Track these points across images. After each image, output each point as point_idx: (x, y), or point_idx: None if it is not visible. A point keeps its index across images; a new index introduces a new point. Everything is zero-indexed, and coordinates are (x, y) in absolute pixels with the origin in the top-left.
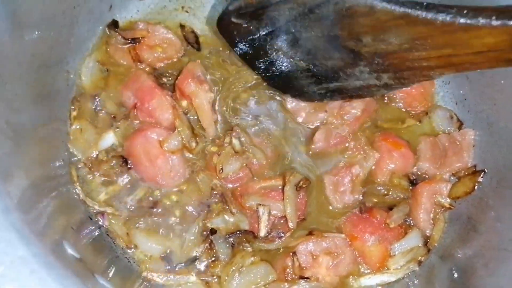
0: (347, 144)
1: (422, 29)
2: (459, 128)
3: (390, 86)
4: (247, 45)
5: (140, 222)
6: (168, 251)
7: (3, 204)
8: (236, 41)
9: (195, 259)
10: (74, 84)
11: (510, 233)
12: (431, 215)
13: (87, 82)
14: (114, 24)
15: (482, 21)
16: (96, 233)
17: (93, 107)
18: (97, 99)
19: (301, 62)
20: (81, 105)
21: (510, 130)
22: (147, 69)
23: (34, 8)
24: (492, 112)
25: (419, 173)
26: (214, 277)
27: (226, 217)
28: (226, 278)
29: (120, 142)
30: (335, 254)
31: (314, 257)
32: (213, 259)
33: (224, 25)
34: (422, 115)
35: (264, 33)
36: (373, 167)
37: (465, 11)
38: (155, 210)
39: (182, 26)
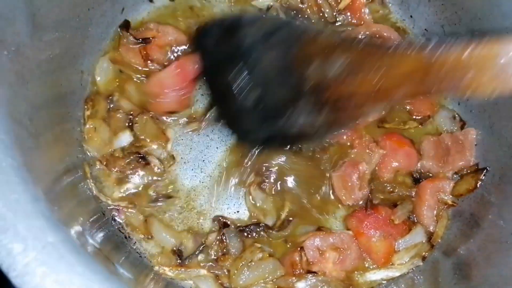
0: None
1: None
2: (462, 127)
3: (322, 133)
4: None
5: (156, 212)
6: (179, 245)
7: (32, 194)
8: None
9: (203, 246)
10: (88, 84)
11: (511, 227)
12: (435, 212)
13: (101, 82)
14: (126, 25)
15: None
16: (108, 228)
17: (107, 107)
18: (111, 98)
19: (257, 87)
20: (94, 105)
21: (510, 129)
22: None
23: (52, 11)
24: (493, 111)
25: (423, 171)
26: (224, 270)
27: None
28: (236, 272)
29: (138, 137)
30: (342, 249)
31: (321, 252)
32: (223, 252)
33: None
34: (426, 118)
35: (234, 44)
36: (378, 165)
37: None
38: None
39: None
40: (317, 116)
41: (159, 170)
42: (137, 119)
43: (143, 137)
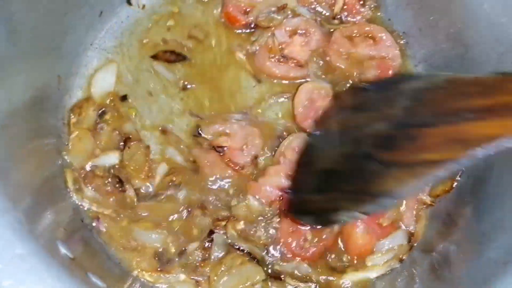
0: None
1: None
2: None
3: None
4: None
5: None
6: (161, 248)
7: (1, 205)
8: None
9: (184, 253)
10: (66, 90)
11: (483, 226)
12: (414, 212)
13: (96, 93)
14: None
15: None
16: (87, 235)
17: (96, 119)
18: (103, 113)
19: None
20: (81, 112)
21: None
22: None
23: (28, 15)
24: None
25: None
26: (204, 276)
27: None
28: (215, 278)
29: (122, 163)
30: (306, 32)
31: (289, 35)
32: (204, 258)
33: None
34: None
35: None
36: None
37: None
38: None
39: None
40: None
41: (130, 202)
42: (133, 144)
43: (127, 163)
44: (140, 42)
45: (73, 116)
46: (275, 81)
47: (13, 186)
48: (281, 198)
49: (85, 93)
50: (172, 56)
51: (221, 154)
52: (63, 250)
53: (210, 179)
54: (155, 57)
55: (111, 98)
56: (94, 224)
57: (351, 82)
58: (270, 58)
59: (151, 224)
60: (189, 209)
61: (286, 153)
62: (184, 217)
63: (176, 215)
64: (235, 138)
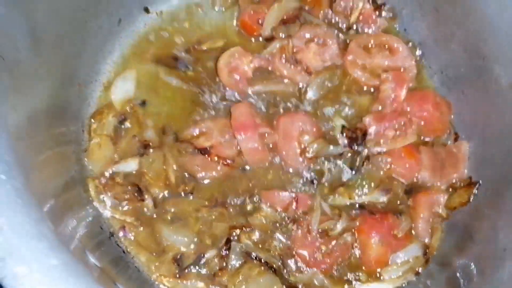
0: None
1: None
2: (455, 140)
3: None
4: None
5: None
6: (180, 254)
7: (36, 216)
8: None
9: (202, 260)
10: (86, 97)
11: (504, 241)
12: (429, 224)
13: (117, 100)
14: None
15: None
16: (107, 244)
17: (116, 125)
18: (123, 120)
19: None
20: (102, 118)
21: (502, 142)
22: None
23: (50, 25)
24: (485, 125)
25: (418, 183)
26: (222, 286)
27: None
28: (233, 287)
29: (140, 170)
30: (324, 43)
31: (306, 44)
32: (221, 267)
33: None
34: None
35: None
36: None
37: None
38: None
39: None
40: None
41: (148, 214)
42: (151, 151)
43: (145, 170)
44: (157, 48)
45: (93, 122)
46: None
47: (37, 194)
48: (296, 199)
49: (104, 100)
50: (175, 63)
51: (208, 154)
52: (91, 259)
53: (205, 181)
54: (158, 61)
55: (131, 105)
56: (121, 233)
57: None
58: (282, 58)
59: (177, 223)
60: (211, 206)
61: None
62: (205, 216)
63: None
64: (212, 134)
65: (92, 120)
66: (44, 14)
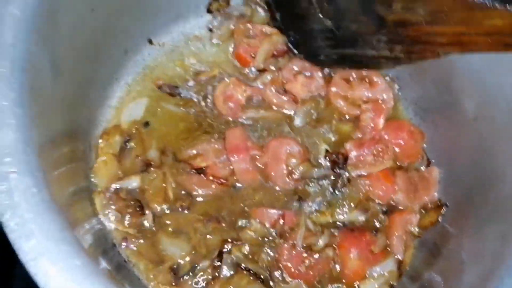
0: None
1: (448, 2)
2: (428, 165)
3: (399, 59)
4: None
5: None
6: (176, 264)
7: (60, 223)
8: None
9: (196, 269)
10: (94, 119)
11: (466, 257)
12: (403, 242)
13: (125, 122)
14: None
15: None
16: (110, 252)
17: (122, 145)
18: (128, 140)
19: (328, 21)
20: (109, 138)
21: (467, 168)
22: None
23: (68, 58)
24: (454, 152)
25: (393, 204)
26: None
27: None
28: None
29: (142, 187)
30: (309, 76)
31: (294, 76)
32: (214, 276)
33: None
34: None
35: None
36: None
37: None
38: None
39: None
40: (390, 48)
41: (148, 226)
42: (152, 169)
43: (147, 187)
44: (159, 76)
45: (101, 142)
46: None
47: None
48: (283, 216)
49: (110, 123)
50: (175, 91)
51: (204, 174)
52: (103, 263)
53: (201, 198)
54: (160, 88)
55: (136, 127)
56: (123, 244)
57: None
58: (272, 88)
59: (175, 235)
60: (206, 220)
61: None
62: (200, 229)
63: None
64: (208, 156)
65: (100, 140)
66: (64, 49)
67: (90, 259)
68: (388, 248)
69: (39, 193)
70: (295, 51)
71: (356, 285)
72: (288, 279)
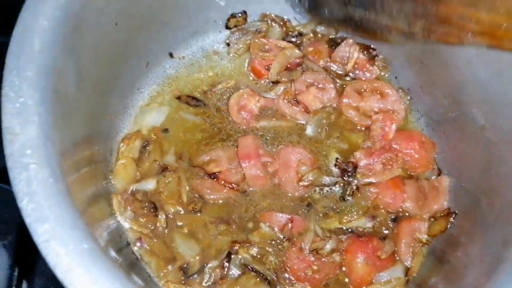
0: None
1: None
2: (438, 175)
3: (414, 35)
4: None
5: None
6: (187, 263)
7: (72, 211)
8: None
9: (204, 269)
10: (114, 126)
11: (468, 261)
12: (411, 249)
13: (146, 127)
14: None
15: None
16: (124, 249)
17: (141, 150)
18: (146, 144)
19: None
20: (130, 143)
21: (475, 177)
22: None
23: (92, 67)
24: (462, 162)
25: (404, 212)
26: None
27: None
28: None
29: (157, 189)
30: (322, 87)
31: (306, 86)
32: (222, 276)
33: None
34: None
35: None
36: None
37: None
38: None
39: None
40: (411, 21)
41: (160, 229)
42: (168, 173)
43: (162, 189)
44: (178, 88)
45: (122, 145)
46: None
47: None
48: (292, 221)
49: (131, 129)
50: (193, 101)
51: (216, 179)
52: (113, 253)
53: (212, 202)
54: (179, 98)
55: (155, 132)
56: (138, 243)
57: None
58: (284, 99)
59: (187, 236)
60: (217, 222)
61: None
62: (211, 231)
63: (207, 226)
64: (221, 162)
65: (121, 144)
66: (89, 59)
67: (98, 244)
68: (395, 255)
69: (55, 184)
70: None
71: None
72: (295, 282)
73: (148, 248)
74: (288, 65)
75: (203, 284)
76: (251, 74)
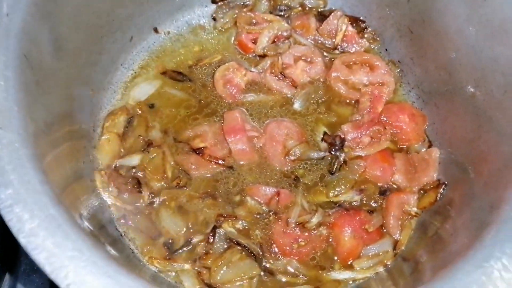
0: None
1: None
2: (429, 147)
3: None
4: None
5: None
6: (171, 239)
7: (41, 178)
8: None
9: (190, 244)
10: (97, 102)
11: (453, 229)
12: (399, 222)
13: (132, 102)
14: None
15: None
16: (106, 226)
17: (125, 125)
18: (131, 120)
19: None
20: (115, 118)
21: (464, 146)
22: None
23: (71, 37)
24: (451, 134)
25: (393, 185)
26: (206, 268)
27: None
28: (215, 269)
29: (141, 165)
30: (310, 61)
31: (294, 61)
32: (207, 251)
33: None
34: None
35: None
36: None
37: None
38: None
39: None
40: None
41: (144, 205)
42: (153, 148)
43: (146, 165)
44: (163, 63)
45: (107, 121)
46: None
47: (52, 173)
48: (278, 194)
49: (115, 105)
50: (179, 76)
51: (202, 154)
52: (86, 223)
53: (198, 177)
54: (164, 73)
55: (140, 107)
56: (122, 221)
57: None
58: (272, 73)
59: (172, 211)
60: (203, 196)
61: None
62: (197, 205)
63: (192, 200)
64: (207, 137)
65: (106, 119)
66: (67, 28)
67: (66, 211)
68: (383, 228)
69: (21, 149)
70: None
71: (350, 264)
72: (281, 256)
73: (132, 224)
74: (276, 39)
75: (188, 259)
76: (238, 48)
